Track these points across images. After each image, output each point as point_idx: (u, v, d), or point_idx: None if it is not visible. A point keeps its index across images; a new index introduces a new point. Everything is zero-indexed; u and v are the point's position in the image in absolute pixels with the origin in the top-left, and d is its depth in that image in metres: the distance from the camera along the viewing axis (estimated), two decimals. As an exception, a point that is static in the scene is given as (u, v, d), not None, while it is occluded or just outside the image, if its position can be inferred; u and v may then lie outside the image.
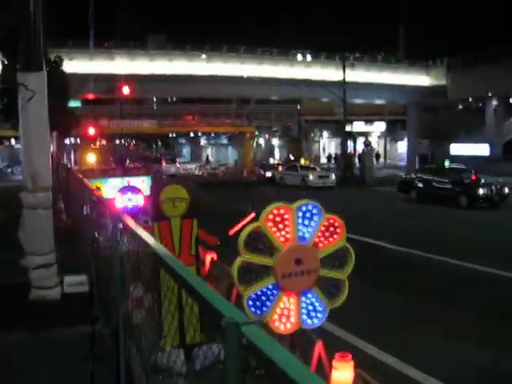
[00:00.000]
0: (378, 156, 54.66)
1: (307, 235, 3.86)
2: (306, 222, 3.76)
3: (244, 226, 8.58)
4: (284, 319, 3.81)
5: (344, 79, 39.84)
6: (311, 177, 34.91)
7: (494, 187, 23.00)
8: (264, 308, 3.79)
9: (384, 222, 19.27)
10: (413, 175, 27.84)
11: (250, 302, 3.77)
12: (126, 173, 16.45)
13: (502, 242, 14.47)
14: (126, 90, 40.10)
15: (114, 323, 5.01)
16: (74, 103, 48.29)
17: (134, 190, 7.44)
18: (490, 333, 7.73)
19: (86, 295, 7.00)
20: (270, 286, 3.74)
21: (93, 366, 4.97)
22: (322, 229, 3.90)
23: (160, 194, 6.30)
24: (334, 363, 4.22)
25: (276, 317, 3.79)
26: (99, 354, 5.21)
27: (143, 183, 12.27)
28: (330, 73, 44.19)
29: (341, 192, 32.50)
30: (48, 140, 6.58)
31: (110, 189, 12.18)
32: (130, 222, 3.74)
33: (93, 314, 6.27)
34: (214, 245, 8.23)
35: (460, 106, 55.85)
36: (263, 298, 3.77)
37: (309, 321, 3.99)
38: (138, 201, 7.31)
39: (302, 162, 42.49)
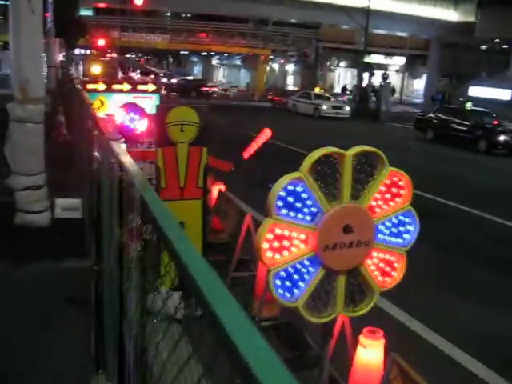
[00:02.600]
0: (393, 91, 52.99)
1: (363, 194, 3.04)
2: (363, 176, 2.94)
3: (259, 147, 7.83)
4: (321, 304, 3.03)
5: (368, 6, 37.82)
6: (325, 106, 33.88)
7: (514, 133, 22.11)
8: (296, 290, 2.97)
9: (399, 160, 18.40)
10: (431, 114, 26.74)
11: (278, 282, 2.95)
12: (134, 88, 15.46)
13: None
14: (139, 1, 38.32)
15: (105, 258, 4.31)
16: (85, 11, 46.54)
17: (139, 110, 6.55)
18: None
19: (78, 222, 6.31)
20: (306, 262, 2.91)
21: (77, 309, 4.33)
22: (382, 188, 3.08)
23: (167, 115, 5.48)
24: (362, 339, 3.67)
25: (311, 302, 3.00)
26: (86, 295, 4.55)
27: (151, 101, 11.32)
28: (353, -1, 42.04)
29: (353, 124, 31.48)
30: (41, 44, 5.70)
31: (115, 104, 11.24)
32: (117, 146, 2.89)
33: (83, 247, 5.61)
34: (227, 171, 7.49)
35: (483, 47, 53.58)
36: (295, 276, 2.93)
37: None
38: (141, 125, 6.46)
39: (317, 90, 41.15)
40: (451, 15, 47.18)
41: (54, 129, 13.17)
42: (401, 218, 3.19)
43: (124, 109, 6.70)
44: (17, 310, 4.45)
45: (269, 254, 2.84)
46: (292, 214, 2.81)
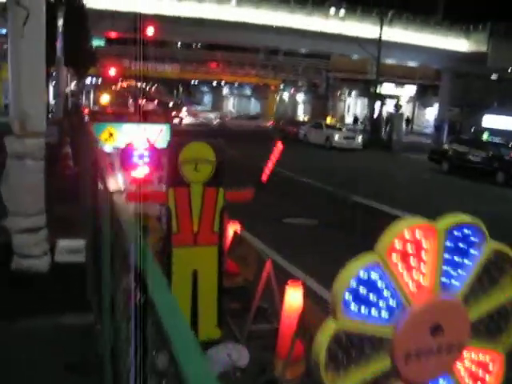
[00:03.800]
0: (408, 121, 52.62)
1: (456, 282, 2.37)
2: (457, 258, 2.28)
3: (274, 164, 7.33)
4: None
5: (380, 36, 37.60)
6: (336, 137, 33.40)
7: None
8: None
9: (418, 195, 17.78)
10: (445, 146, 26.19)
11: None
12: (144, 118, 15.01)
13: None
14: (150, 31, 38.28)
15: (105, 314, 3.74)
16: (97, 41, 46.71)
17: (130, 148, 5.93)
18: None
19: (81, 267, 5.73)
20: (381, 374, 2.20)
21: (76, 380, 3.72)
22: (480, 270, 2.40)
23: (179, 151, 4.92)
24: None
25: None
26: (86, 360, 3.94)
27: (161, 132, 10.77)
28: (365, 29, 41.87)
29: (366, 155, 30.95)
30: (42, 73, 5.19)
31: (124, 135, 10.71)
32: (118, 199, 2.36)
33: (85, 297, 5.02)
34: (248, 199, 6.95)
35: (494, 76, 53.20)
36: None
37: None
38: (150, 162, 5.88)
39: (328, 120, 40.78)
40: (462, 45, 46.91)
41: (60, 160, 12.71)
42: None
43: (131, 148, 6.13)
44: (5, 377, 3.86)
45: (331, 367, 2.11)
46: (364, 310, 2.14)
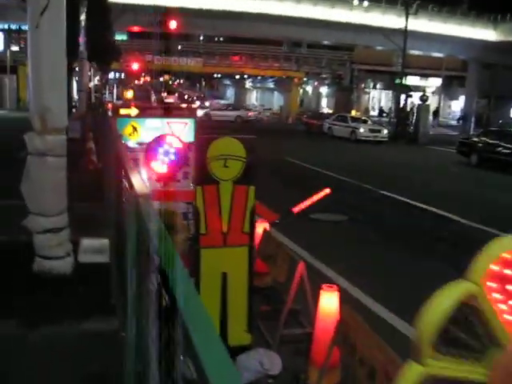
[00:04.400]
0: (436, 113, 51.77)
1: None
2: None
3: (313, 203, 7.12)
4: None
5: (406, 27, 36.91)
6: (362, 129, 32.94)
7: None
8: None
9: (451, 189, 17.28)
10: (475, 138, 25.55)
11: None
12: (167, 113, 14.79)
13: None
14: (173, 25, 38.11)
15: (130, 321, 3.46)
16: (119, 36, 46.79)
17: (162, 140, 5.63)
18: None
19: (105, 267, 5.49)
20: None
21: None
22: None
23: (207, 148, 4.65)
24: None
25: None
26: (109, 371, 3.69)
27: (186, 127, 10.49)
28: (390, 19, 41.22)
29: (392, 148, 30.46)
30: (64, 69, 4.95)
31: (148, 130, 10.47)
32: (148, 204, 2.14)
33: (109, 301, 4.78)
34: (271, 221, 6.69)
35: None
36: None
37: None
38: (178, 159, 5.60)
39: (353, 113, 40.27)
40: (490, 35, 45.91)
41: (84, 156, 12.56)
42: None
43: (156, 143, 5.84)
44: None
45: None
46: (455, 350, 1.80)
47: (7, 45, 45.44)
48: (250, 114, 48.57)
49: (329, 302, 4.73)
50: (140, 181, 3.23)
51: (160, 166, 5.53)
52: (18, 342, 4.22)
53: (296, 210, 6.91)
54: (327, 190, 6.95)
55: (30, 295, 4.82)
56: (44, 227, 5.02)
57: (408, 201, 14.21)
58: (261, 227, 6.60)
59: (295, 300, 5.59)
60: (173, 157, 5.50)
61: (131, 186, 3.23)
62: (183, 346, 1.35)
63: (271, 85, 70.99)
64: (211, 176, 4.65)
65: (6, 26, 44.70)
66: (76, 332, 4.24)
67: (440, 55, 50.57)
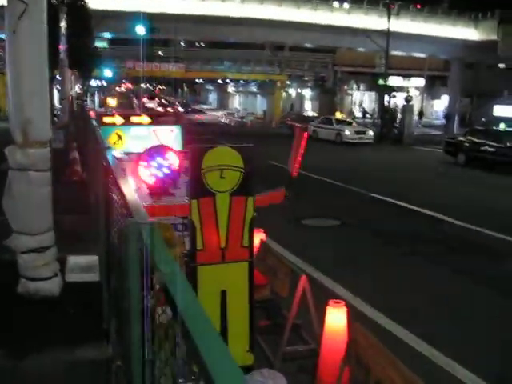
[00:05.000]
0: (421, 113, 51.80)
1: None
2: None
3: (302, 154, 6.83)
4: None
5: (388, 28, 36.87)
6: (347, 132, 32.79)
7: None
8: None
9: (439, 189, 17.13)
10: (461, 137, 25.48)
11: None
12: (153, 120, 14.43)
13: None
14: (153, 31, 37.70)
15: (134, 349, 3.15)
16: (100, 43, 46.29)
17: (162, 152, 5.33)
18: None
19: (95, 287, 5.16)
20: None
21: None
22: None
23: (202, 158, 4.35)
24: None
25: None
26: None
27: (172, 133, 10.23)
28: (372, 20, 41.16)
29: (378, 150, 30.34)
30: (46, 77, 4.61)
31: (133, 139, 10.19)
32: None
33: (101, 325, 4.45)
34: (280, 201, 6.47)
35: (502, 65, 52.30)
36: None
37: None
38: (171, 163, 5.28)
39: (337, 115, 40.15)
40: (471, 34, 46.04)
41: (67, 166, 12.17)
42: None
43: (147, 155, 5.52)
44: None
45: None
46: None
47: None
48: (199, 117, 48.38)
49: (336, 319, 4.46)
50: (134, 195, 2.94)
51: (152, 178, 5.22)
52: (5, 373, 3.89)
53: (294, 172, 6.65)
54: (304, 135, 6.66)
55: (14, 320, 4.48)
56: (28, 247, 4.69)
57: (400, 203, 14.00)
58: (257, 238, 6.32)
59: (296, 314, 5.32)
60: (167, 170, 5.18)
61: (125, 200, 2.94)
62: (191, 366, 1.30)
63: (254, 89, 70.82)
64: (207, 188, 4.36)
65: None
66: (65, 362, 3.91)
67: (422, 55, 50.69)
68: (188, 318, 1.31)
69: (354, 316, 4.68)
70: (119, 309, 3.59)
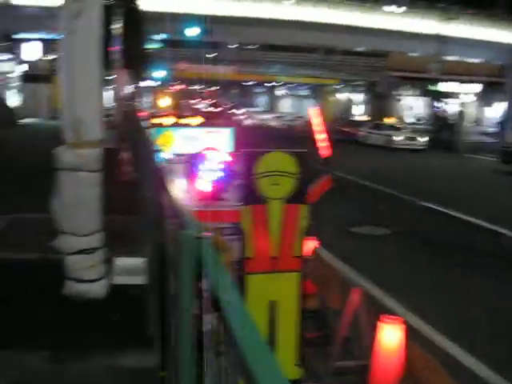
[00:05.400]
0: (477, 120, 50.51)
1: None
2: None
3: (326, 131, 6.61)
4: None
5: (443, 34, 36.06)
6: (398, 137, 32.16)
7: None
8: None
9: (495, 200, 16.49)
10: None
11: None
12: (204, 121, 14.41)
13: None
14: (207, 33, 37.95)
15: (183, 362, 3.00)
16: (153, 45, 46.87)
17: (213, 155, 5.17)
18: None
19: (141, 291, 5.07)
20: None
21: None
22: None
23: (255, 163, 4.19)
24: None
25: None
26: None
27: (223, 135, 10.12)
28: (426, 25, 40.32)
29: (430, 156, 29.59)
30: (99, 77, 4.56)
31: (182, 139, 10.12)
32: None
33: (146, 331, 4.35)
34: (330, 187, 6.33)
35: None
36: None
37: None
38: (221, 161, 5.11)
39: (388, 120, 39.48)
40: (530, 40, 44.59)
41: (118, 167, 12.22)
42: None
43: (200, 158, 5.39)
44: None
45: None
46: None
47: (44, 54, 45.94)
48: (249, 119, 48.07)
49: (390, 337, 4.22)
50: (183, 199, 2.82)
51: (204, 183, 5.10)
52: (47, 378, 3.82)
53: (326, 153, 6.48)
54: (313, 112, 6.51)
55: (58, 324, 4.42)
56: (76, 248, 4.64)
57: (454, 213, 13.52)
58: (310, 245, 6.11)
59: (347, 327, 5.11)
60: (220, 173, 5.04)
61: (176, 205, 2.83)
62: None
63: (304, 92, 70.45)
64: (259, 194, 4.20)
65: (42, 36, 45.22)
66: (110, 369, 3.82)
67: (478, 61, 49.38)
68: (237, 329, 1.29)
69: (411, 335, 4.43)
70: (168, 315, 3.48)
